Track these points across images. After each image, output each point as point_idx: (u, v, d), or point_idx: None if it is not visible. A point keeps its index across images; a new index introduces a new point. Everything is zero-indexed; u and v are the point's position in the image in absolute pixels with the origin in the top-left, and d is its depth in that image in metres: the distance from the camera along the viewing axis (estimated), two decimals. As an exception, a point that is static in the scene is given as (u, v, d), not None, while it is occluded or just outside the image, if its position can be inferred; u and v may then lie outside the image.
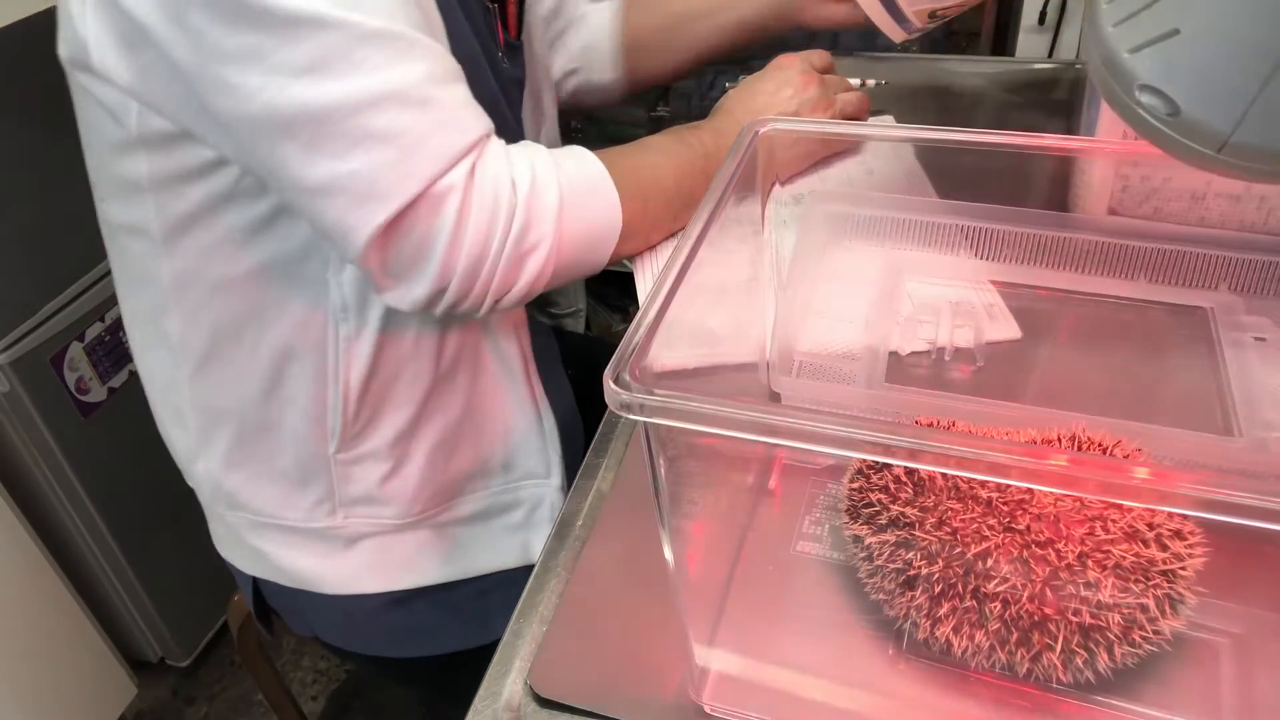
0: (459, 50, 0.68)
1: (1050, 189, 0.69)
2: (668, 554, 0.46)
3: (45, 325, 1.29)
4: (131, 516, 1.42)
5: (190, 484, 0.81)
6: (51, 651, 1.37)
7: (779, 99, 0.81)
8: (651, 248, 0.75)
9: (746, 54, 0.97)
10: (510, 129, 0.77)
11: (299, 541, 0.77)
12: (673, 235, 0.76)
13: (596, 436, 0.72)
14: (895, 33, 0.83)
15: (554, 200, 0.62)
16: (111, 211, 0.70)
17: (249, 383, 0.71)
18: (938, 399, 0.60)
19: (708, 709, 0.52)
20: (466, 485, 0.78)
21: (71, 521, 1.38)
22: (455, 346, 0.73)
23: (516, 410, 0.78)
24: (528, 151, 0.64)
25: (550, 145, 0.85)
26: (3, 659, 1.30)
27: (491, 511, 0.80)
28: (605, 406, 0.39)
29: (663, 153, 0.74)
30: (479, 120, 0.61)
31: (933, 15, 0.83)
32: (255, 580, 0.83)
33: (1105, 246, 0.65)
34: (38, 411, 1.28)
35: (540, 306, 0.99)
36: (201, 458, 0.78)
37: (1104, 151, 0.57)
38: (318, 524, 0.76)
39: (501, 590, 0.82)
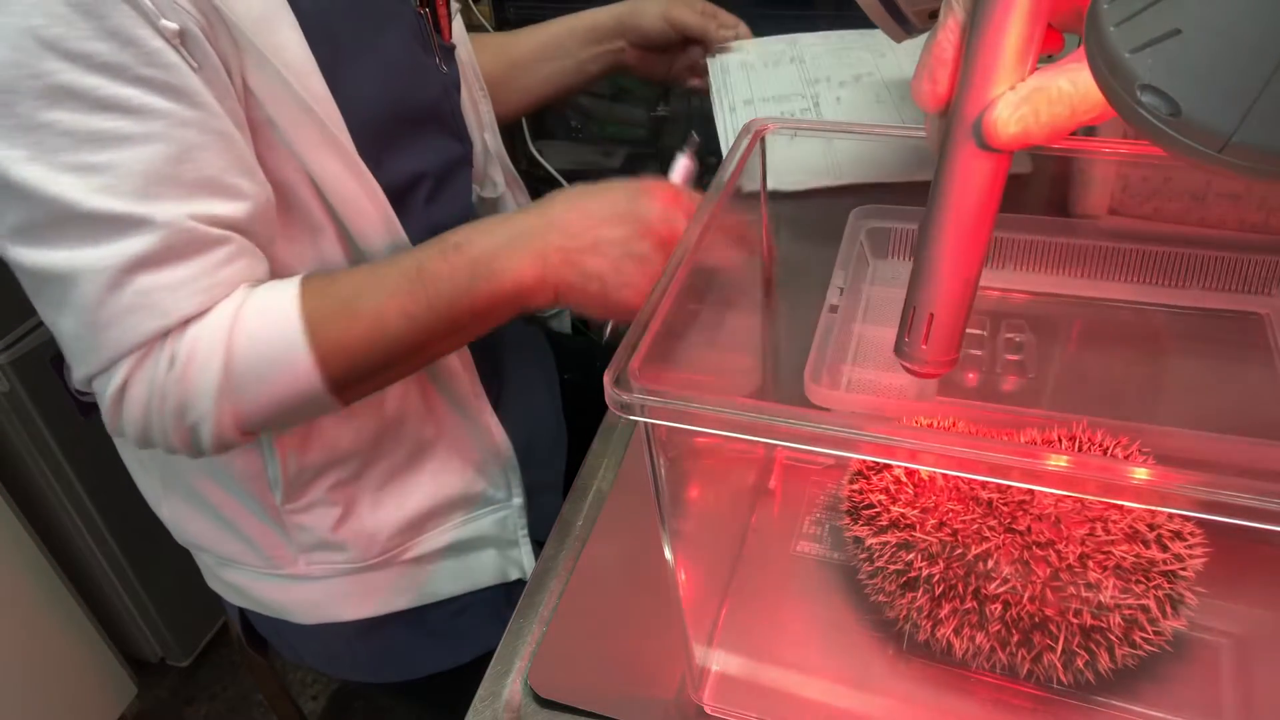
0: (391, 68, 0.66)
1: (1050, 189, 0.70)
2: (668, 554, 0.46)
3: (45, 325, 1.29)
4: (131, 516, 1.42)
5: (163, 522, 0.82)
6: (51, 651, 1.37)
7: (602, 237, 0.60)
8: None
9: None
10: (454, 132, 0.77)
11: (267, 580, 0.78)
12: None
13: (596, 437, 0.72)
14: (896, 34, 0.83)
15: (212, 377, 0.58)
16: None
17: None
18: (989, 410, 0.60)
19: (708, 709, 0.51)
20: (426, 523, 0.77)
21: (71, 521, 1.38)
22: (399, 395, 0.72)
23: (471, 445, 0.77)
24: (209, 320, 0.58)
25: (493, 147, 0.84)
26: (3, 659, 1.30)
27: (457, 545, 0.79)
28: (604, 408, 0.39)
29: (386, 301, 0.61)
30: (190, 300, 0.57)
31: (933, 15, 0.83)
32: (241, 609, 0.84)
33: (1157, 254, 0.66)
34: (38, 411, 1.28)
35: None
36: (165, 504, 0.78)
37: (1104, 151, 0.57)
38: (282, 570, 0.76)
39: (475, 610, 0.81)
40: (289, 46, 0.59)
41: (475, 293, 0.61)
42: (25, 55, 0.50)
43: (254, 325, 0.59)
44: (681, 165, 0.71)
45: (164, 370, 0.58)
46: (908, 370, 0.42)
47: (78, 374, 0.60)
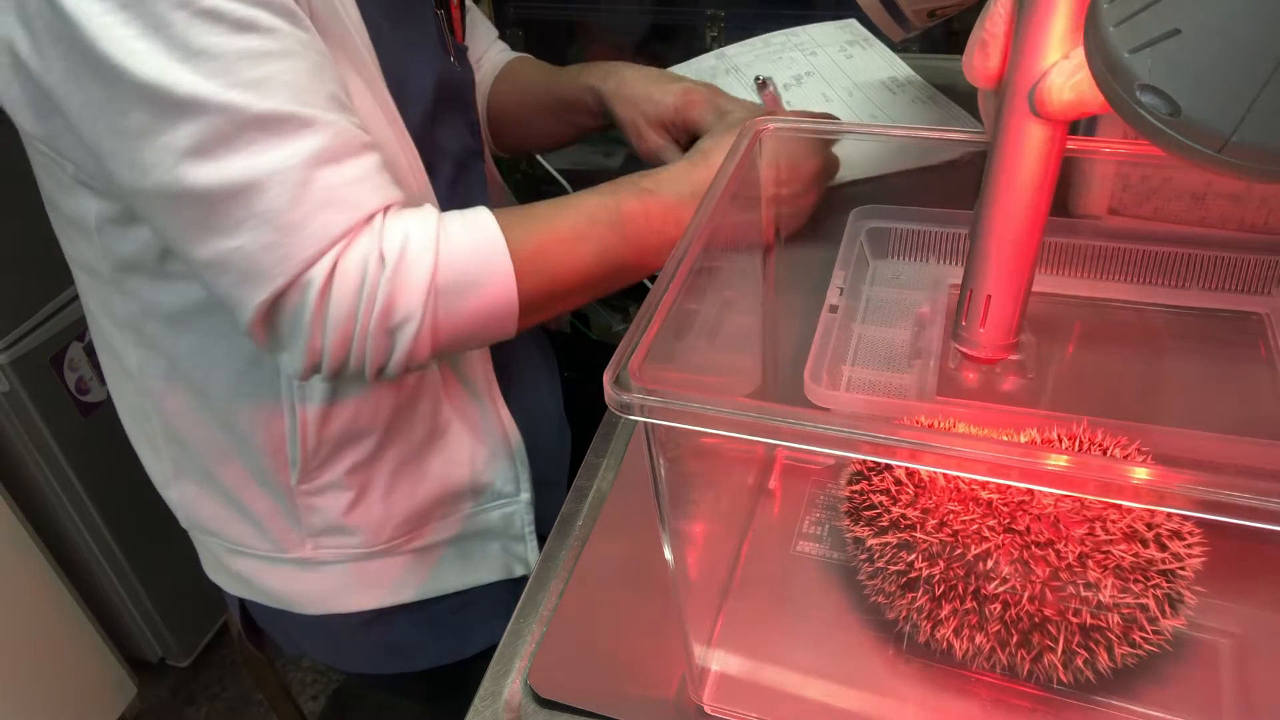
0: (421, 69, 0.69)
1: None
2: (668, 554, 0.46)
3: (45, 325, 1.29)
4: (131, 516, 1.42)
5: (169, 506, 0.82)
6: (51, 651, 1.37)
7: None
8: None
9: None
10: (471, 125, 0.79)
11: (273, 567, 0.78)
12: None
13: (596, 436, 0.72)
14: (894, 32, 0.83)
15: (424, 274, 0.59)
16: (64, 246, 0.70)
17: (207, 416, 0.72)
18: (989, 410, 0.60)
19: (708, 709, 0.51)
20: (435, 512, 0.78)
21: (71, 521, 1.38)
22: (417, 372, 0.72)
23: (482, 433, 0.78)
24: (412, 219, 0.60)
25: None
26: (3, 659, 1.30)
27: (464, 536, 0.80)
28: (604, 408, 0.39)
29: (585, 226, 0.67)
30: (373, 194, 0.58)
31: (932, 14, 0.83)
32: (241, 601, 0.84)
33: (1157, 254, 0.66)
34: (38, 411, 1.28)
35: None
36: (174, 485, 0.78)
37: (1104, 151, 0.57)
38: (289, 554, 0.76)
39: (480, 604, 0.82)
40: (350, 13, 0.61)
41: (662, 237, 0.69)
42: None
43: (458, 232, 0.61)
44: (767, 99, 0.83)
45: (374, 267, 0.58)
46: (965, 356, 0.42)
47: (258, 297, 0.57)
